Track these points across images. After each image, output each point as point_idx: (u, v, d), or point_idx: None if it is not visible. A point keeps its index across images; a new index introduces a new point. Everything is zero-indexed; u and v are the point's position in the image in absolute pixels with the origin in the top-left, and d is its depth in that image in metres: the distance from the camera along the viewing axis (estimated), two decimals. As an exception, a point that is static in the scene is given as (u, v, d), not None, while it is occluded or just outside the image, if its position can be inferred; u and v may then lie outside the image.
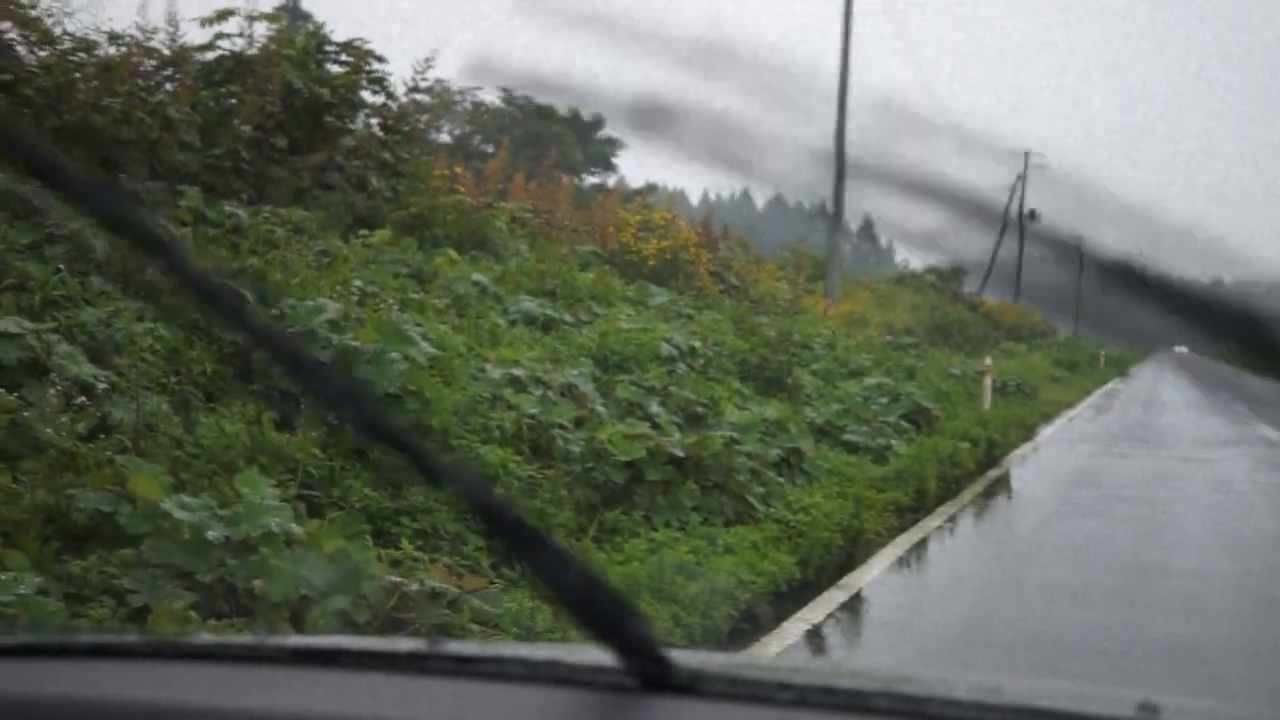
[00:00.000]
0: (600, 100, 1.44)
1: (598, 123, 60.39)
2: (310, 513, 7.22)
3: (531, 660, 1.68)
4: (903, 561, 11.38)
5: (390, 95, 18.87)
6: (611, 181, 58.63)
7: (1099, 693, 1.80)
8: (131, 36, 15.52)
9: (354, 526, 7.01)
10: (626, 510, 9.77)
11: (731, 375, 16.94)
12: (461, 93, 45.35)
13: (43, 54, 14.26)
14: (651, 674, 1.50)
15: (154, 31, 15.85)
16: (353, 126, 18.19)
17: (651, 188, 61.98)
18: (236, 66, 16.47)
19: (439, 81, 24.11)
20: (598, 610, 1.51)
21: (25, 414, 6.76)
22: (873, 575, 10.62)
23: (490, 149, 43.71)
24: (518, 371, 11.23)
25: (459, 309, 13.87)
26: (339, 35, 18.43)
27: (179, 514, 6.07)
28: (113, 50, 15.05)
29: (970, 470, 17.24)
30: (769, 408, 14.54)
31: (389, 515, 7.75)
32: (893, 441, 16.41)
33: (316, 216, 14.43)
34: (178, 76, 15.96)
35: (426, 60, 18.86)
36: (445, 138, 42.70)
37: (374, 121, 19.00)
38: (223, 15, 16.22)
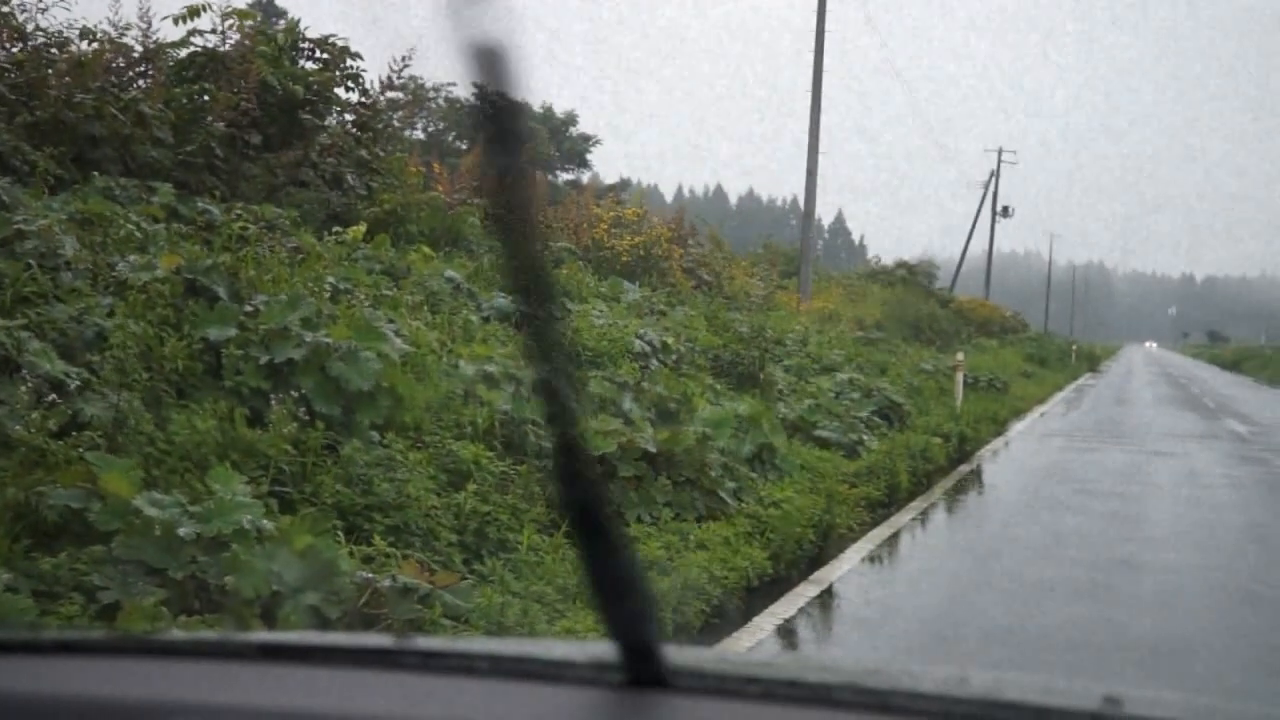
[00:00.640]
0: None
1: (571, 119, 60.33)
2: (282, 509, 7.22)
3: (499, 655, 1.69)
4: (874, 556, 11.42)
5: (365, 92, 18.84)
6: (585, 178, 58.58)
7: (1065, 686, 1.82)
8: (104, 33, 15.48)
9: (326, 523, 7.02)
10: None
11: (704, 371, 16.97)
12: (435, 89, 45.20)
13: (15, 50, 14.20)
14: (637, 670, 1.51)
15: (127, 28, 15.83)
16: (327, 123, 18.15)
17: (625, 184, 62.00)
18: (210, 63, 16.42)
19: (413, 78, 24.09)
20: (621, 605, 1.53)
21: (-4, 411, 6.74)
22: (844, 570, 10.66)
23: (464, 145, 43.60)
24: (490, 368, 11.23)
25: (432, 305, 13.85)
26: (313, 31, 18.39)
27: (150, 511, 6.06)
28: (85, 46, 15.00)
29: (942, 465, 17.33)
30: (741, 403, 14.56)
31: (361, 511, 7.75)
32: (865, 437, 16.47)
33: (290, 213, 14.39)
34: (151, 73, 15.91)
35: (404, 58, 18.84)
36: (419, 134, 42.66)
37: (349, 118, 18.97)
38: (195, 11, 16.15)
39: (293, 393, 8.47)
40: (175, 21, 16.08)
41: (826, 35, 37.44)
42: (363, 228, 15.86)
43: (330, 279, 11.76)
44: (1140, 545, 12.18)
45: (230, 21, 16.67)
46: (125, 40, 15.80)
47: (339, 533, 7.23)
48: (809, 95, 37.36)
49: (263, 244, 11.74)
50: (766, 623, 8.69)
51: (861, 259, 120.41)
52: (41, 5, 14.68)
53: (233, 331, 8.85)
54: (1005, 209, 78.42)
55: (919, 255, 65.92)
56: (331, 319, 9.92)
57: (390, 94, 19.66)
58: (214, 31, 16.66)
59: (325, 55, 18.18)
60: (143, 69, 16.05)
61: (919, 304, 49.30)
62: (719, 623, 8.40)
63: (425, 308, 13.52)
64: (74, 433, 6.86)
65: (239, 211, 13.16)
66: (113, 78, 14.99)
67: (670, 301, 23.05)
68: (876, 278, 56.06)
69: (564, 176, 56.78)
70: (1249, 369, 72.40)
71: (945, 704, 1.49)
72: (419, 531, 7.77)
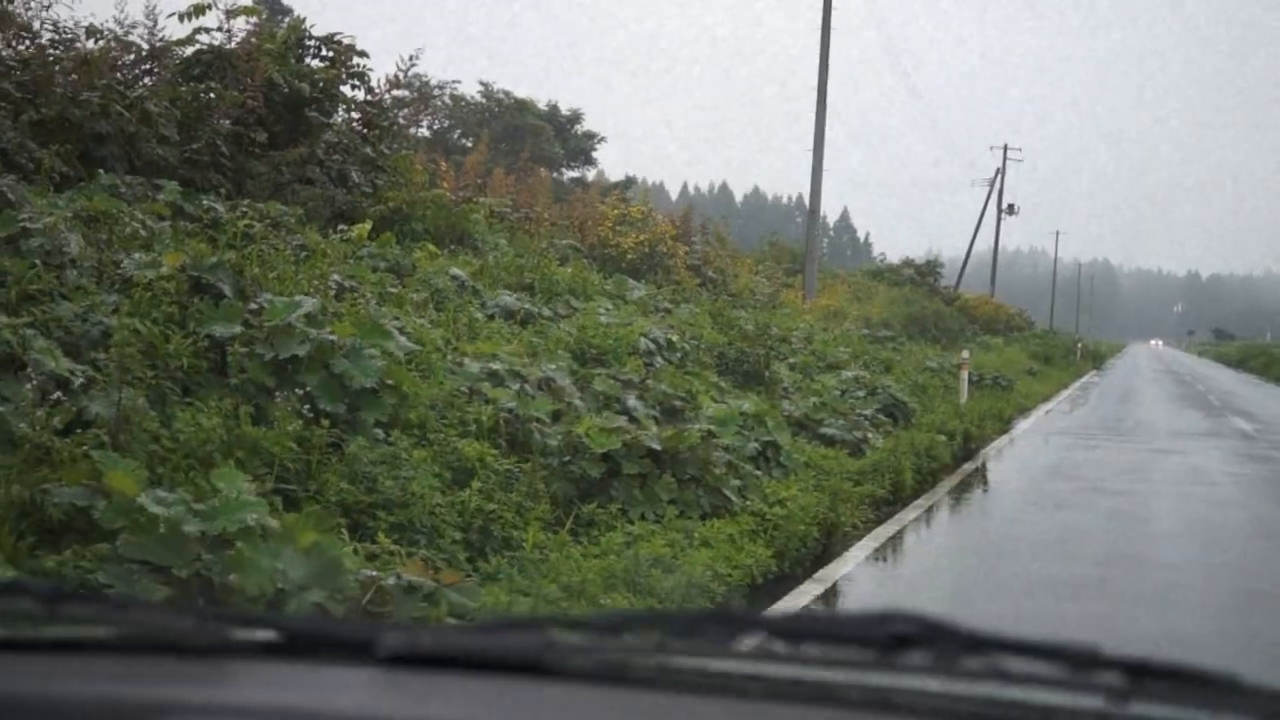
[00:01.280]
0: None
1: (577, 116, 60.31)
2: (286, 507, 7.23)
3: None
4: (879, 554, 11.41)
5: (371, 90, 18.86)
6: (590, 175, 58.56)
7: None
8: (110, 30, 15.51)
9: (330, 520, 7.02)
10: (603, 503, 9.79)
11: (709, 369, 16.96)
12: (440, 86, 45.25)
13: (21, 48, 14.22)
14: None
15: (133, 26, 15.85)
16: (333, 121, 18.17)
17: (630, 181, 61.97)
18: (216, 61, 16.43)
19: (418, 76, 24.11)
20: None
21: (0, 409, 6.74)
22: (849, 568, 10.65)
23: (469, 143, 43.63)
24: (495, 365, 11.24)
25: (437, 303, 13.86)
26: (319, 29, 18.41)
27: (155, 509, 6.06)
28: (91, 44, 15.02)
29: (947, 463, 17.30)
30: (746, 401, 14.56)
31: (365, 509, 7.76)
32: (869, 434, 16.46)
33: (295, 211, 14.41)
34: (156, 70, 15.94)
35: (411, 57, 18.87)
36: (424, 132, 42.65)
37: (354, 116, 18.98)
38: (200, 9, 16.16)
39: (297, 390, 8.48)
40: (181, 19, 16.11)
41: (832, 32, 37.38)
42: (368, 225, 15.88)
43: (335, 276, 11.78)
44: (1145, 543, 12.18)
45: (236, 19, 16.70)
46: (131, 38, 15.84)
47: (343, 530, 7.23)
48: (814, 93, 37.33)
49: (268, 241, 11.77)
50: (771, 621, 8.67)
51: (867, 257, 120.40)
52: (45, 1, 14.71)
53: (237, 329, 8.85)
54: (1010, 206, 78.27)
55: (924, 253, 66.01)
56: (336, 316, 9.94)
57: (396, 92, 19.69)
58: (220, 29, 16.70)
59: (331, 53, 18.20)
60: (148, 66, 16.08)
61: (924, 302, 49.31)
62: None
63: (430, 305, 13.54)
64: (79, 430, 6.86)
65: (244, 209, 13.18)
66: (118, 75, 15.01)
67: (675, 299, 23.05)
68: (882, 275, 56.09)
69: (569, 174, 56.80)
70: (1254, 367, 72.27)
71: (950, 701, 1.49)
72: (423, 529, 7.78)
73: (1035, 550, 11.71)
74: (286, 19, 20.63)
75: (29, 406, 6.79)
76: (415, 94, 21.83)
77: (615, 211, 28.17)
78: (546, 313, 16.14)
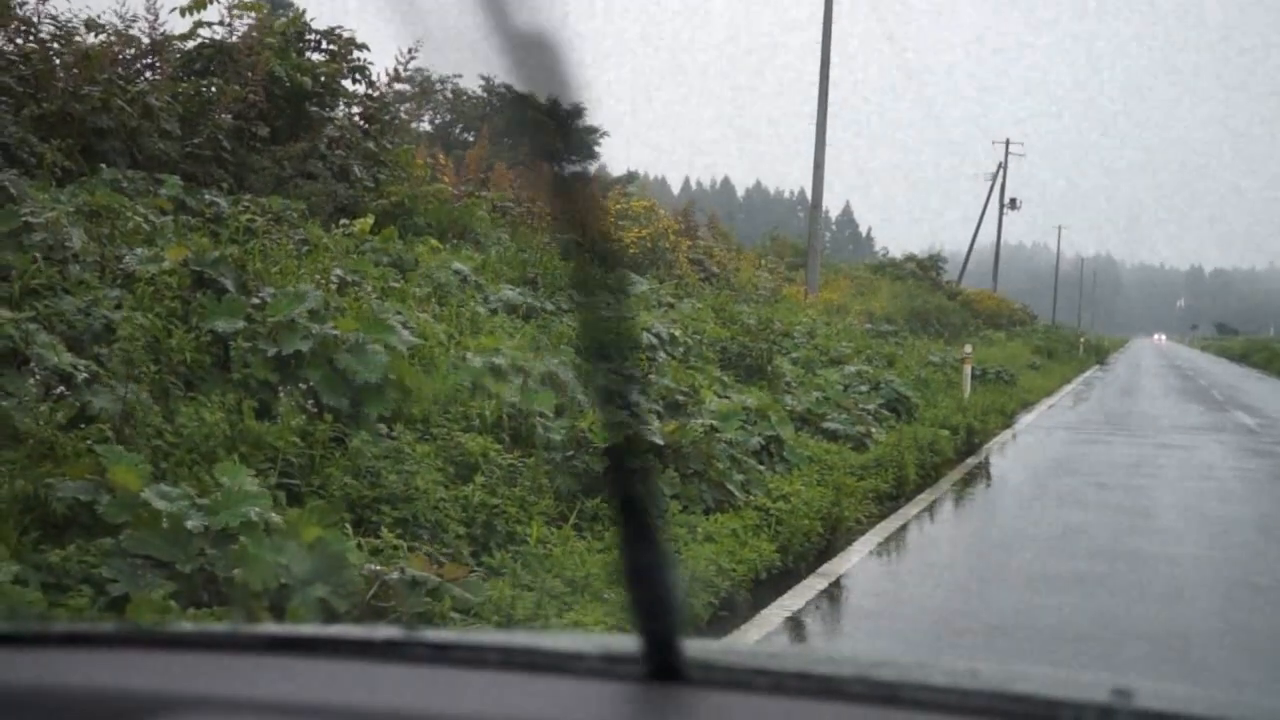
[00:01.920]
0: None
1: (578, 111, 60.21)
2: (290, 501, 7.22)
3: (509, 647, 1.68)
4: (882, 549, 11.41)
5: (372, 84, 18.84)
6: (593, 169, 58.48)
7: (1074, 678, 1.81)
8: (111, 25, 15.50)
9: (334, 515, 7.01)
10: (606, 498, 9.78)
11: (712, 363, 16.96)
12: (442, 81, 45.20)
13: (21, 42, 14.21)
14: (655, 662, 1.51)
15: (134, 20, 15.84)
16: (335, 115, 18.16)
17: (632, 176, 61.99)
18: (217, 55, 16.42)
19: (420, 70, 24.08)
20: (648, 597, 1.53)
21: (4, 403, 6.74)
22: (852, 563, 10.65)
23: (470, 137, 43.58)
24: (498, 360, 11.22)
25: (440, 298, 13.85)
26: (319, 23, 18.39)
27: (158, 503, 6.06)
28: (92, 38, 15.01)
29: (950, 458, 17.31)
30: (749, 396, 14.56)
31: (369, 504, 7.75)
32: (872, 429, 16.46)
33: (298, 205, 14.39)
34: (158, 65, 15.93)
35: (410, 50, 18.83)
36: (426, 126, 42.65)
37: (356, 110, 18.97)
38: (202, 3, 16.14)
39: (300, 385, 8.47)
40: (182, 13, 16.08)
41: (834, 26, 37.34)
42: (370, 220, 15.86)
43: (337, 271, 11.76)
44: (1148, 538, 12.17)
45: (237, 13, 16.68)
46: (132, 32, 15.82)
47: (347, 525, 7.22)
48: (816, 88, 37.30)
49: (270, 236, 11.76)
50: (775, 615, 8.68)
51: (869, 251, 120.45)
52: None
53: (240, 324, 8.85)
54: (1013, 201, 78.34)
55: (927, 248, 65.95)
56: (339, 311, 9.92)
57: (398, 86, 19.67)
58: (221, 23, 16.69)
59: (332, 47, 18.19)
60: (150, 61, 16.07)
61: (927, 296, 49.30)
62: (728, 615, 8.39)
63: (433, 300, 13.53)
64: (82, 425, 6.86)
65: (246, 204, 13.17)
66: (120, 70, 15.00)
67: (678, 294, 23.05)
68: (884, 270, 56.10)
69: (570, 169, 56.71)
70: (1257, 361, 72.30)
71: (955, 696, 1.48)
72: (427, 524, 7.77)
73: (1038, 545, 11.70)
74: (289, 12, 20.59)
75: (32, 401, 6.79)
76: (416, 88, 21.80)
77: (617, 206, 28.16)
78: (549, 307, 16.13)
